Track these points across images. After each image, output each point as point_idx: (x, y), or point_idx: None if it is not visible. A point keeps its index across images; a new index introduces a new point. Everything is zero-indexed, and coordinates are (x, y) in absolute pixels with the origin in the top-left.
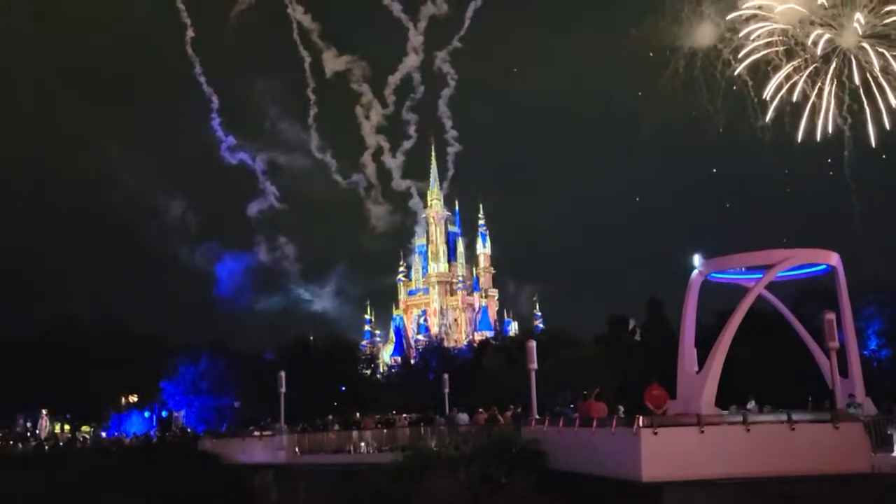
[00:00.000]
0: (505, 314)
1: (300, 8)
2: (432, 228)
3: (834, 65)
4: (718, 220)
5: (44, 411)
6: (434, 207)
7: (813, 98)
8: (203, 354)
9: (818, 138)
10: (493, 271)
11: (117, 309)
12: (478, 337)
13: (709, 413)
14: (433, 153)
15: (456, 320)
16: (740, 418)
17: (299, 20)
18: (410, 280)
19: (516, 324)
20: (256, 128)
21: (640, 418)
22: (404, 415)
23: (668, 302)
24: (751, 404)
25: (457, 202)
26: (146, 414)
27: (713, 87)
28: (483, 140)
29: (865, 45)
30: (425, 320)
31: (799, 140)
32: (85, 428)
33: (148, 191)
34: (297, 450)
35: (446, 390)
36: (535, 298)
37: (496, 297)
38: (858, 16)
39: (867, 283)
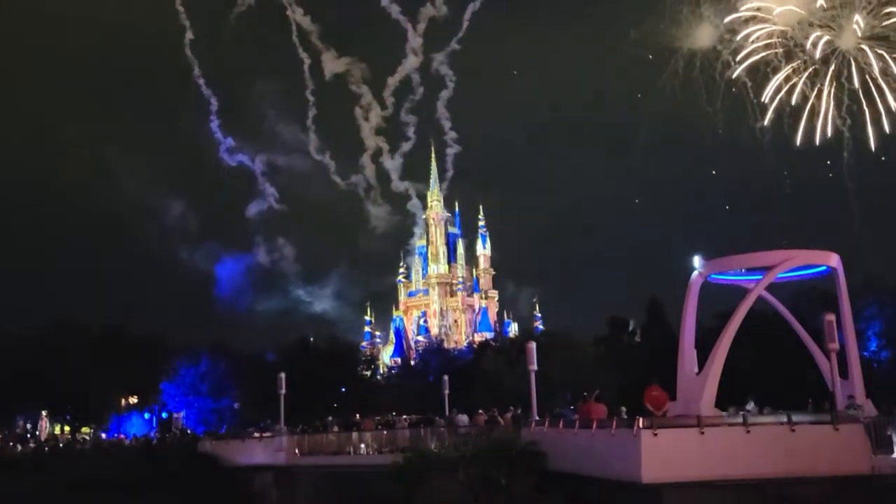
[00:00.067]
0: (505, 315)
1: (300, 10)
2: (432, 230)
3: (833, 67)
4: (718, 221)
5: (44, 413)
6: (434, 209)
7: (812, 100)
8: (203, 356)
9: (817, 141)
10: (493, 272)
11: (117, 310)
12: (478, 338)
13: (709, 414)
14: (433, 154)
15: (456, 321)
16: (740, 420)
17: (299, 22)
18: (410, 281)
19: (516, 325)
20: (255, 129)
21: (640, 419)
22: (404, 416)
23: (668, 303)
24: (750, 405)
25: (457, 203)
26: (146, 415)
27: (712, 89)
28: (482, 141)
29: (864, 46)
30: (425, 321)
31: (798, 142)
32: (85, 429)
33: (147, 192)
34: (296, 451)
35: (446, 392)
36: (535, 300)
37: (496, 299)
38: (857, 17)
39: (867, 284)
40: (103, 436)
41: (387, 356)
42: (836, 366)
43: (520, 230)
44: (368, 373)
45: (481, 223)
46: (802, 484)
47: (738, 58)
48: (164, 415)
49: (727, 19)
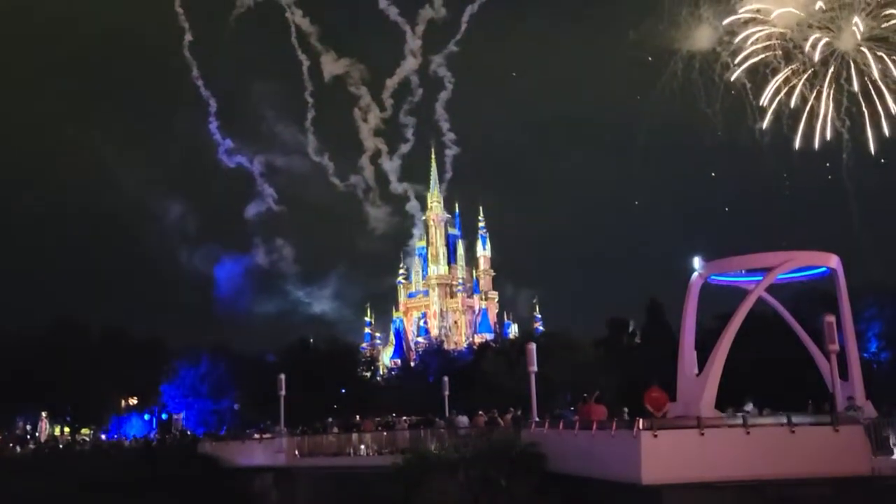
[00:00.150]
0: (505, 317)
1: (299, 11)
2: (432, 231)
3: (832, 68)
4: (718, 222)
5: (43, 414)
6: (434, 210)
7: (811, 102)
8: (203, 357)
9: (816, 143)
10: (493, 274)
11: (117, 311)
12: (478, 339)
13: (709, 416)
14: (433, 156)
15: (456, 323)
16: (740, 421)
17: (298, 23)
18: (410, 282)
19: (516, 326)
20: (254, 130)
21: (640, 421)
22: (404, 417)
23: (668, 304)
24: (749, 406)
25: (457, 205)
26: (146, 416)
27: (711, 91)
28: (481, 143)
29: (864, 48)
30: (425, 323)
31: (797, 144)
32: (85, 430)
33: (147, 192)
34: (296, 452)
35: (446, 393)
36: (535, 301)
37: (496, 300)
38: (857, 19)
39: (867, 285)
40: (103, 437)
41: (387, 357)
42: (836, 367)
43: (520, 231)
44: (368, 374)
45: (481, 224)
46: (802, 485)
47: (737, 60)
48: (163, 416)
49: (726, 21)
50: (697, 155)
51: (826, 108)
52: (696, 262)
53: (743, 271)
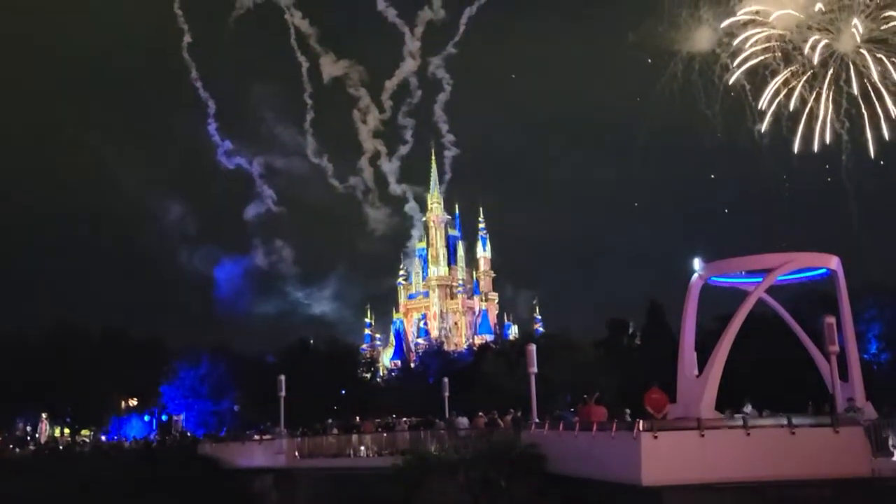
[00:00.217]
0: (505, 318)
1: (298, 13)
2: (432, 232)
3: (831, 70)
4: (718, 224)
5: (43, 415)
6: (434, 211)
7: (811, 103)
8: (203, 358)
9: (816, 145)
10: (494, 275)
11: (117, 313)
12: (478, 341)
13: (709, 417)
14: (433, 157)
15: (456, 324)
16: (741, 422)
17: (297, 25)
18: (410, 283)
19: (516, 327)
20: (253, 132)
21: (640, 422)
22: (404, 419)
23: (668, 306)
24: (747, 408)
25: (457, 206)
26: (146, 418)
27: (711, 92)
28: (481, 144)
29: (863, 50)
30: (425, 324)
31: (797, 146)
32: (85, 432)
33: (147, 193)
34: (296, 454)
35: (446, 394)
36: (535, 302)
37: (496, 301)
38: (856, 21)
39: (867, 286)
40: (103, 438)
41: (387, 358)
42: (836, 368)
43: (520, 233)
44: (368, 375)
45: (481, 226)
46: (802, 486)
47: (737, 62)
48: (163, 417)
49: (725, 23)
50: (697, 156)
51: (825, 109)
52: (696, 263)
53: (743, 272)
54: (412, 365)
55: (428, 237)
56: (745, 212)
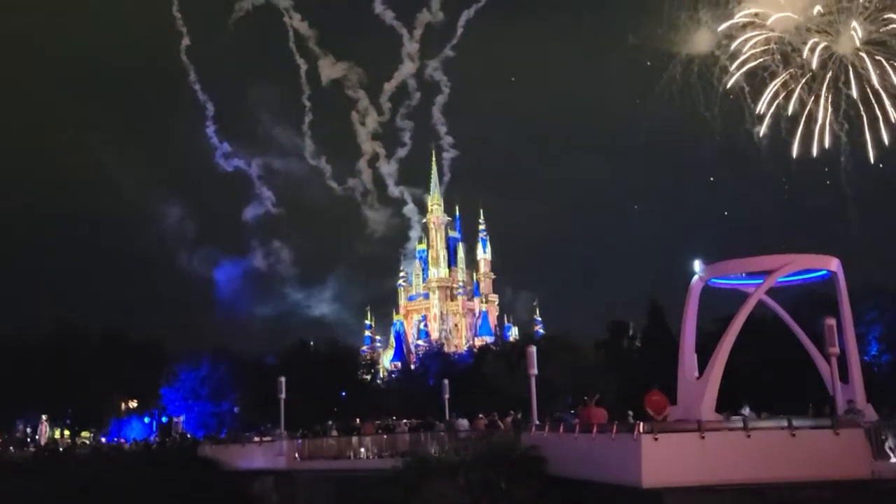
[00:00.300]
0: (505, 319)
1: (297, 15)
2: (433, 234)
3: (830, 73)
4: (718, 225)
5: (43, 417)
6: (434, 213)
7: (810, 106)
8: (203, 360)
9: (815, 148)
10: (494, 276)
11: (117, 315)
12: (478, 342)
13: (709, 419)
14: (433, 159)
15: (456, 325)
16: (741, 424)
17: (296, 27)
18: (410, 285)
19: (517, 329)
20: (252, 134)
21: (641, 424)
22: (404, 420)
23: (668, 307)
24: (746, 410)
25: (457, 207)
26: (146, 419)
27: (710, 94)
28: (480, 145)
29: (862, 52)
30: (425, 326)
31: (795, 149)
32: (85, 433)
33: (146, 194)
34: (296, 456)
35: (446, 396)
36: (535, 304)
37: (496, 303)
38: (855, 23)
39: (868, 288)
40: (103, 440)
41: (387, 360)
42: (836, 370)
43: (520, 234)
44: (368, 377)
45: (481, 227)
46: (803, 488)
47: (735, 64)
48: (163, 419)
49: (723, 26)
50: (697, 157)
51: (824, 112)
52: (697, 265)
53: (743, 274)
54: (412, 367)
55: (428, 239)
56: (745, 213)
